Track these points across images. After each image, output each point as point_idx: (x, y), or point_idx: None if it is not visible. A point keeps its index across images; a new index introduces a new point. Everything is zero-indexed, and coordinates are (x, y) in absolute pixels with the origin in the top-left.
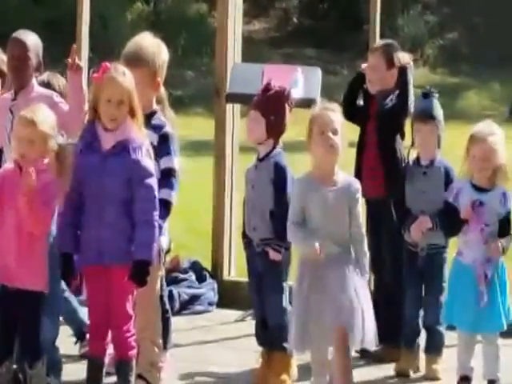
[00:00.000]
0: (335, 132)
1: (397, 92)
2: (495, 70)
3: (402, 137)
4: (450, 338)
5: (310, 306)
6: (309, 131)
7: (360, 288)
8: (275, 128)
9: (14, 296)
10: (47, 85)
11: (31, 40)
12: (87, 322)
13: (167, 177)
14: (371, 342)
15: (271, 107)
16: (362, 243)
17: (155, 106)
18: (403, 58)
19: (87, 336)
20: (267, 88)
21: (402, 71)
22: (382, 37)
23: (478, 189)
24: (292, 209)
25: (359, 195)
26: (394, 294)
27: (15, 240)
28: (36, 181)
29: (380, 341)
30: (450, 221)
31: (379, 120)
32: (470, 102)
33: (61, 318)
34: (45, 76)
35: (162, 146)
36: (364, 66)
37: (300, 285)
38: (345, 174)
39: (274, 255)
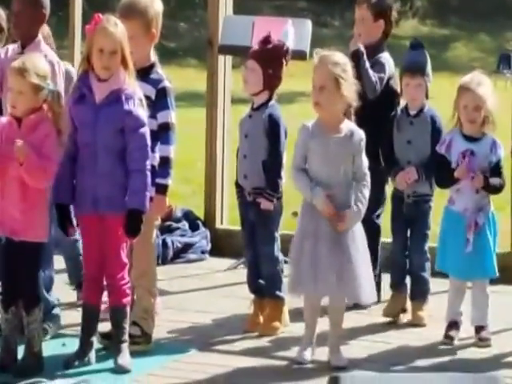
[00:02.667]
0: (321, 88)
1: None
2: (484, 21)
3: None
4: (437, 284)
5: (304, 253)
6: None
7: (355, 244)
8: (271, 80)
9: (17, 246)
10: None
11: None
12: None
13: (165, 131)
14: (367, 298)
15: (269, 60)
16: (364, 185)
17: (153, 59)
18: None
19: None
20: (267, 40)
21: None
22: None
23: (469, 138)
24: (295, 155)
25: (363, 144)
26: (372, 232)
27: (19, 192)
28: (33, 137)
29: None
30: (440, 174)
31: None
32: (459, 53)
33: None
34: None
35: (160, 101)
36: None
37: (300, 228)
38: (350, 123)
39: (265, 205)
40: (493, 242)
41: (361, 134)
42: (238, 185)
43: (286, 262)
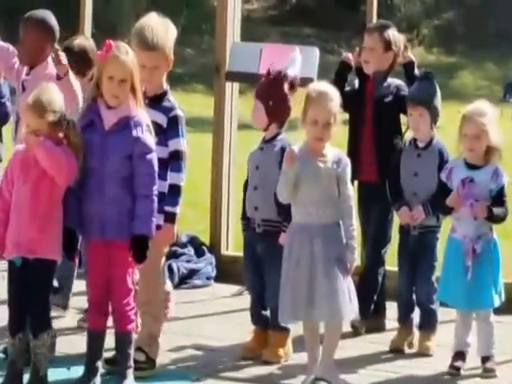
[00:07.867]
0: (327, 125)
1: (395, 83)
2: (490, 50)
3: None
4: (444, 313)
5: (295, 283)
6: (304, 110)
7: (341, 264)
8: (275, 112)
9: (31, 266)
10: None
11: (42, 20)
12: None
13: (176, 160)
14: (353, 314)
15: (268, 92)
16: (350, 216)
17: (165, 86)
18: None
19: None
20: (267, 73)
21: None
22: (378, 17)
23: (471, 166)
24: (284, 173)
25: (349, 170)
26: (372, 268)
27: (33, 212)
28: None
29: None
30: (442, 203)
31: (376, 105)
32: (465, 82)
33: None
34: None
35: (172, 129)
36: (344, 55)
37: (289, 256)
38: (334, 150)
39: (283, 239)
40: (494, 271)
41: (347, 160)
42: (244, 218)
43: None
